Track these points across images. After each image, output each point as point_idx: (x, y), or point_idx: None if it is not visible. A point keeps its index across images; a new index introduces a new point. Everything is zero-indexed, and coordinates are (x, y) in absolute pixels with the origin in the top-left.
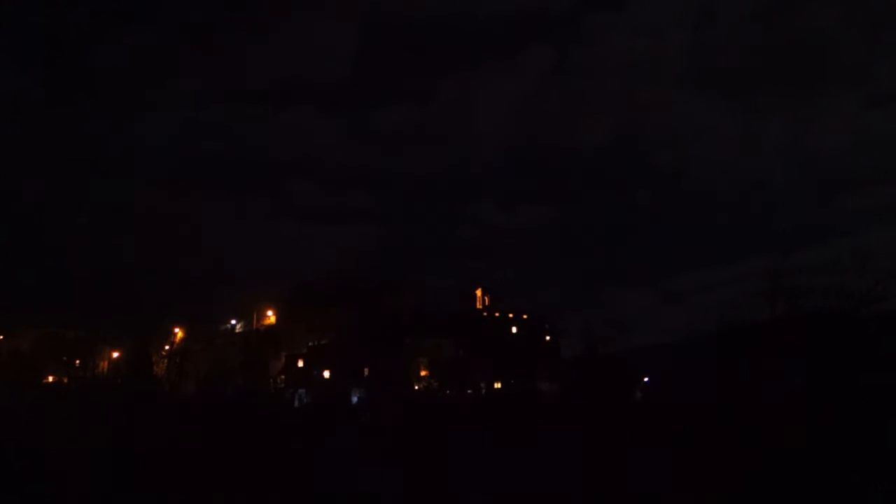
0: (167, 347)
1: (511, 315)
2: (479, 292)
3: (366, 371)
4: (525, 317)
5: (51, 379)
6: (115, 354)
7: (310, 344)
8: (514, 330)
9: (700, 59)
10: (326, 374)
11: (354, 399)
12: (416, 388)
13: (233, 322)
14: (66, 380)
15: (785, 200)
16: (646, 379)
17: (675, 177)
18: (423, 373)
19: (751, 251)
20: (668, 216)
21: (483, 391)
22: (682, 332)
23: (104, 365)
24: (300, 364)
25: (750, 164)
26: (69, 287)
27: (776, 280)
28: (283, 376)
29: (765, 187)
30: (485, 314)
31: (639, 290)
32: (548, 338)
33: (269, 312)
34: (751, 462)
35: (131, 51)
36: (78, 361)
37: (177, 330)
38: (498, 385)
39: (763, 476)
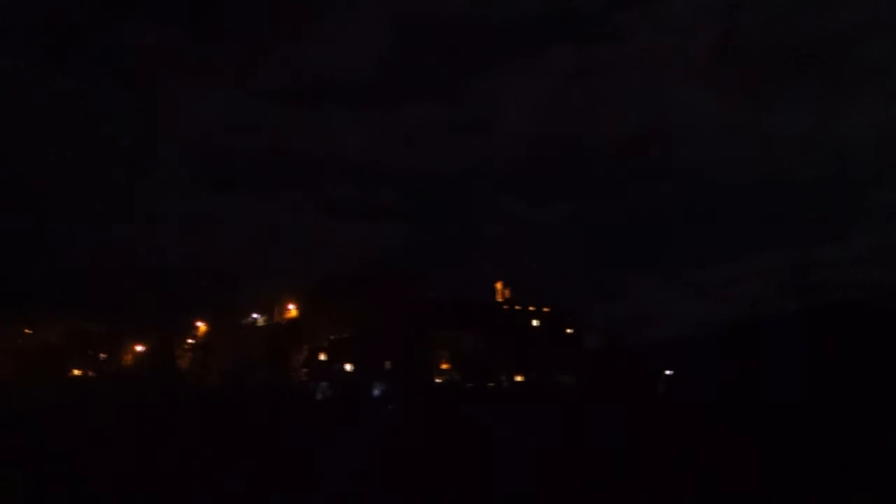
0: (190, 341)
1: (532, 308)
2: (499, 285)
3: (387, 364)
4: (546, 310)
5: (77, 372)
6: (140, 348)
7: (332, 337)
8: (535, 323)
9: (725, 55)
10: (348, 367)
11: (376, 392)
12: (438, 380)
13: (255, 315)
14: (91, 373)
15: (810, 195)
16: (668, 372)
17: (699, 172)
18: (444, 366)
19: (776, 245)
20: (693, 211)
21: (504, 384)
22: (707, 325)
23: (128, 358)
24: (322, 357)
25: (775, 160)
26: (95, 282)
27: (801, 274)
28: (305, 369)
29: (790, 182)
30: (505, 307)
31: (663, 284)
32: (570, 330)
33: (291, 306)
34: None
35: (164, 51)
36: (103, 355)
37: (199, 323)
38: (519, 378)
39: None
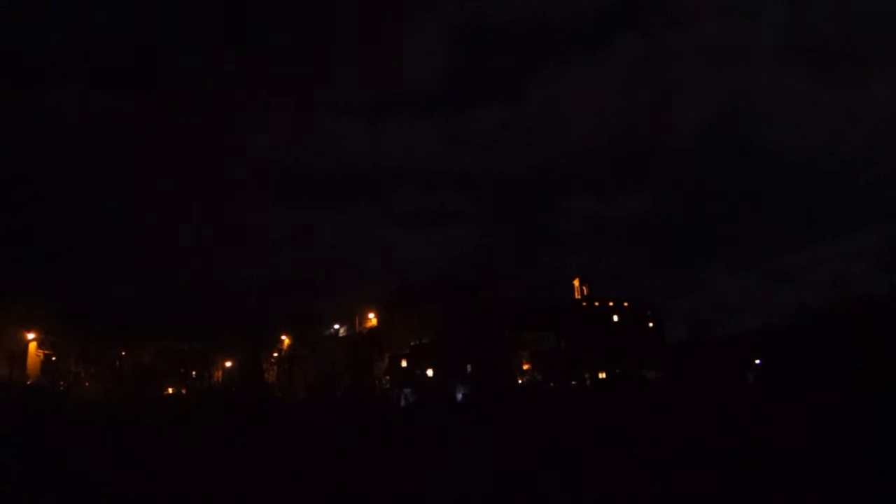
0: (276, 354)
1: (612, 304)
2: (576, 282)
3: (468, 367)
4: (626, 304)
5: (170, 390)
6: (228, 364)
7: (412, 344)
8: (615, 318)
9: (796, 33)
10: (430, 372)
11: (459, 396)
12: (520, 381)
13: (336, 326)
14: (184, 390)
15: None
16: (757, 361)
17: (777, 154)
18: (525, 366)
19: (862, 224)
20: (772, 194)
21: (588, 382)
22: (795, 311)
23: (218, 374)
24: (404, 364)
25: (855, 136)
26: (182, 302)
27: (893, 252)
28: (388, 377)
29: (872, 158)
30: (584, 304)
31: (745, 271)
32: (651, 324)
33: (371, 315)
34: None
35: (230, 73)
36: (194, 372)
37: (284, 337)
38: (603, 375)
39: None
